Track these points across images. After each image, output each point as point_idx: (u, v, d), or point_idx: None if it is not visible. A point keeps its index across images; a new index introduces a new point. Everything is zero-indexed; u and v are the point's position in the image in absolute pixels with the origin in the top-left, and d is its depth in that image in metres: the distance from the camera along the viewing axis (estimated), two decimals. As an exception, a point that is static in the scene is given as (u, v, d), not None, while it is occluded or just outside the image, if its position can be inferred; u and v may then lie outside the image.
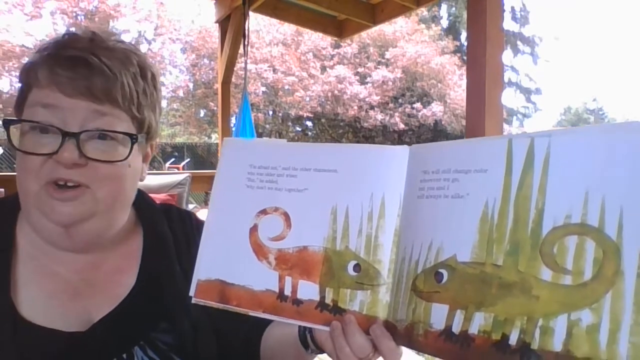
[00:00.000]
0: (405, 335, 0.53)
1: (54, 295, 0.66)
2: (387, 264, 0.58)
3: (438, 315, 0.51)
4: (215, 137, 14.84)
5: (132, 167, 0.67)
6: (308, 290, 0.60)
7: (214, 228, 0.65)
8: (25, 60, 0.76)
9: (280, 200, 0.63)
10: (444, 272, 0.52)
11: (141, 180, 0.73)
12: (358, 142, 14.80)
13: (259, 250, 0.62)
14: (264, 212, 0.63)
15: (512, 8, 21.71)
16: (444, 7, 20.28)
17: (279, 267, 0.61)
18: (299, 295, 0.60)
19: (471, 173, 0.52)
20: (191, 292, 0.63)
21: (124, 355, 0.66)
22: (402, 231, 0.58)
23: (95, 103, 0.62)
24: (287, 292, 0.60)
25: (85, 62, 0.62)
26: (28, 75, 0.64)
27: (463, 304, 0.50)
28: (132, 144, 0.66)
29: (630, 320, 0.41)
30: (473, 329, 0.48)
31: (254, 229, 0.63)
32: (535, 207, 0.48)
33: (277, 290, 0.61)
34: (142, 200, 0.79)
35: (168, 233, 0.78)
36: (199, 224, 0.83)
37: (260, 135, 14.03)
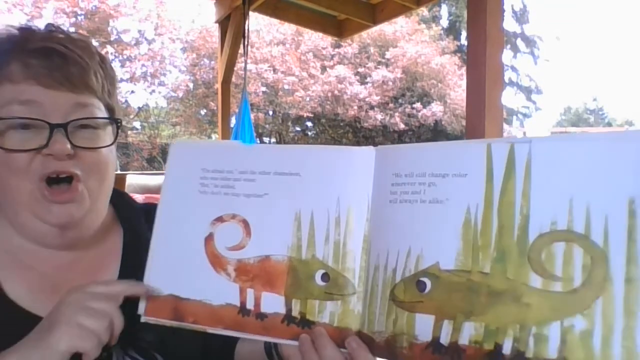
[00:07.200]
0: (386, 348, 0.51)
1: (34, 288, 0.65)
2: (357, 271, 0.54)
3: (423, 326, 0.49)
4: (215, 137, 14.81)
5: (112, 153, 0.68)
6: (273, 303, 0.56)
7: (163, 239, 0.60)
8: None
9: (237, 206, 0.58)
10: (427, 280, 0.50)
11: (116, 170, 0.72)
12: (358, 142, 14.80)
13: (216, 261, 0.58)
14: (220, 219, 0.59)
15: (512, 8, 21.70)
16: (444, 7, 20.25)
17: (239, 278, 0.57)
18: (263, 309, 0.56)
19: (449, 177, 0.51)
20: (140, 310, 0.58)
21: (104, 354, 0.63)
22: (372, 237, 0.55)
23: (75, 94, 0.62)
24: (250, 305, 0.56)
25: (58, 53, 0.61)
26: None
27: (450, 314, 0.48)
28: (118, 128, 0.68)
29: (622, 324, 0.42)
30: (463, 340, 0.47)
31: (209, 238, 0.58)
32: (520, 213, 0.47)
33: (238, 304, 0.56)
34: (120, 199, 0.77)
35: (147, 231, 0.76)
36: None
37: (260, 135, 14.03)
